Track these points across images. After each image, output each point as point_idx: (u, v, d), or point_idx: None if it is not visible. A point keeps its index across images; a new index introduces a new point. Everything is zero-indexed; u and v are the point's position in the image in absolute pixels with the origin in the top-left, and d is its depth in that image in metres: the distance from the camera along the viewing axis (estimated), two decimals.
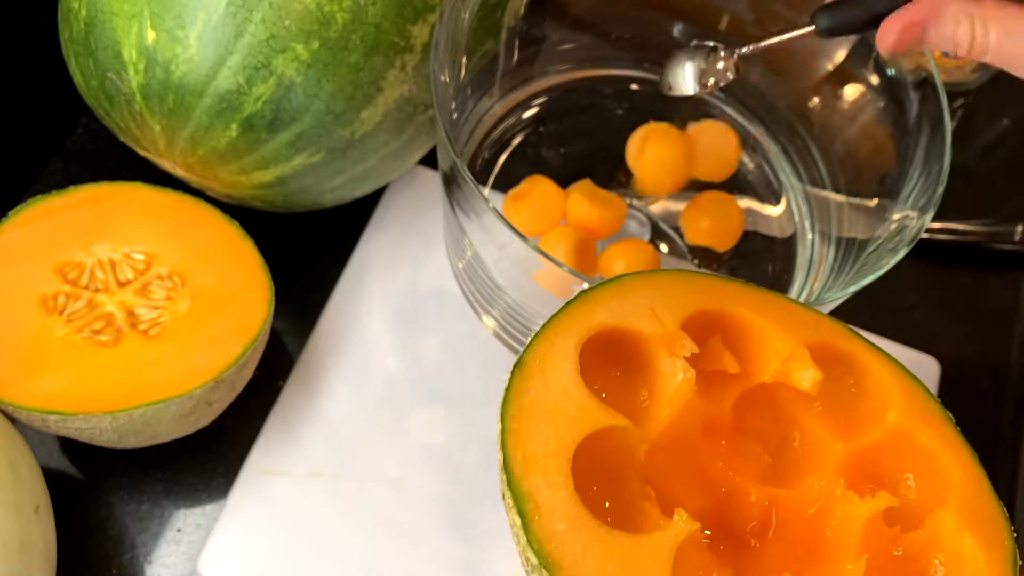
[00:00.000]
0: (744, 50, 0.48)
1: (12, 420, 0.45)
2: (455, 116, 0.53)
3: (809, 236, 0.56)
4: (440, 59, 0.46)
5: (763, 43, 0.47)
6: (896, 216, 0.48)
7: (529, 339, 0.38)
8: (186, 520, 0.51)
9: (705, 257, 0.56)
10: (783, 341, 0.40)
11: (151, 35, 0.45)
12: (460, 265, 0.52)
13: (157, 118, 0.46)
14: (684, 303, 0.40)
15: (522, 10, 0.55)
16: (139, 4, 0.45)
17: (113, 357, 0.46)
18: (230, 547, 0.49)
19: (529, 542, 0.34)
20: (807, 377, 0.39)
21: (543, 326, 0.38)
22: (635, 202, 0.57)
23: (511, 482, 0.35)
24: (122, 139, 0.51)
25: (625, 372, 0.40)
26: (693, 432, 0.40)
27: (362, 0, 0.45)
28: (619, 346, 0.40)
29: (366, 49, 0.46)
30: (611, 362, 0.40)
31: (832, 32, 0.45)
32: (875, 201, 0.51)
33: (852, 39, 0.53)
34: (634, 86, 0.60)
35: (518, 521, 0.35)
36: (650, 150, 0.55)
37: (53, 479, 0.49)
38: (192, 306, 0.48)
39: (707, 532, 0.40)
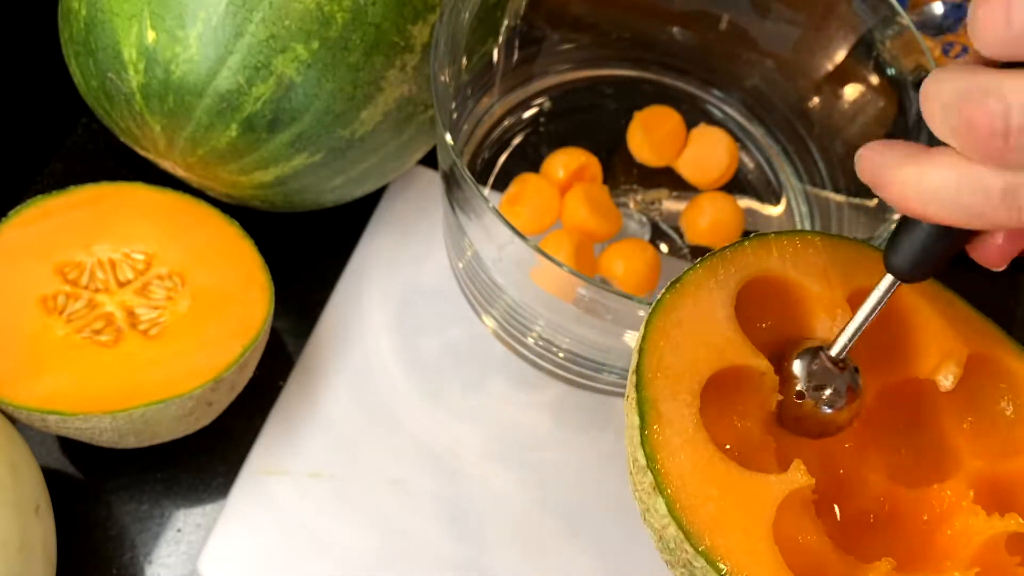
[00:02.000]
0: (836, 348, 0.38)
1: (12, 420, 0.45)
2: (455, 116, 0.53)
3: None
4: (440, 59, 0.46)
5: (848, 332, 0.37)
6: (896, 216, 0.48)
7: (691, 264, 0.38)
8: (186, 520, 0.51)
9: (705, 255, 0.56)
10: (948, 340, 0.38)
11: (151, 35, 0.45)
12: (460, 265, 0.52)
13: (157, 118, 0.46)
14: (859, 275, 0.39)
15: (522, 10, 0.55)
16: (139, 4, 0.45)
17: (113, 357, 0.46)
18: (230, 547, 0.49)
19: (642, 443, 0.35)
20: (948, 377, 0.38)
21: (707, 256, 0.38)
22: (635, 202, 0.57)
23: (639, 384, 0.35)
24: (122, 139, 0.51)
25: (775, 325, 0.40)
26: None
27: (362, 0, 0.45)
28: (778, 299, 0.39)
29: (366, 49, 0.46)
30: (762, 314, 0.39)
31: (920, 273, 0.35)
32: (875, 201, 0.51)
33: (852, 39, 0.53)
34: (634, 86, 0.60)
35: (637, 422, 0.35)
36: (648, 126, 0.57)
37: (53, 479, 0.49)
38: (192, 306, 0.48)
39: (819, 497, 0.39)
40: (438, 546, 0.50)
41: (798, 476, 0.35)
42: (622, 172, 0.58)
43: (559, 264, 0.42)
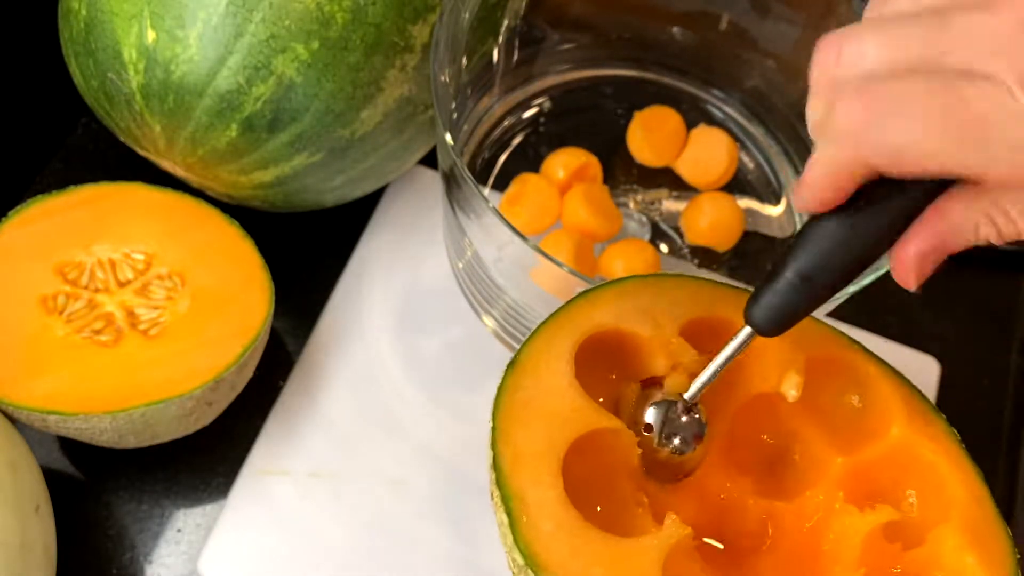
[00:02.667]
0: (690, 394, 0.38)
1: (12, 420, 0.45)
2: (455, 116, 0.53)
3: None
4: (440, 59, 0.46)
5: (701, 378, 0.38)
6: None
7: (525, 338, 0.38)
8: (186, 520, 0.51)
9: (705, 257, 0.56)
10: (785, 351, 0.39)
11: (151, 35, 0.45)
12: (460, 265, 0.52)
13: (157, 118, 0.46)
14: (685, 309, 0.39)
15: (522, 10, 0.55)
16: (139, 4, 0.45)
17: (113, 357, 0.46)
18: (230, 547, 0.49)
19: (516, 542, 0.34)
20: (790, 383, 0.39)
21: (539, 326, 0.38)
22: (635, 202, 0.57)
23: (499, 480, 0.35)
24: (122, 139, 0.51)
25: (620, 377, 0.40)
26: None
27: (362, 0, 0.45)
28: (616, 350, 0.39)
29: (366, 49, 0.46)
30: (607, 366, 0.40)
31: (777, 329, 0.35)
32: None
33: None
34: (634, 86, 0.60)
35: (505, 520, 0.34)
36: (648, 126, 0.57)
37: (53, 479, 0.49)
38: (192, 306, 0.48)
39: (701, 539, 0.39)
40: (438, 546, 0.50)
41: (674, 529, 0.35)
42: (622, 172, 0.58)
43: (559, 264, 0.42)
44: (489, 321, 0.53)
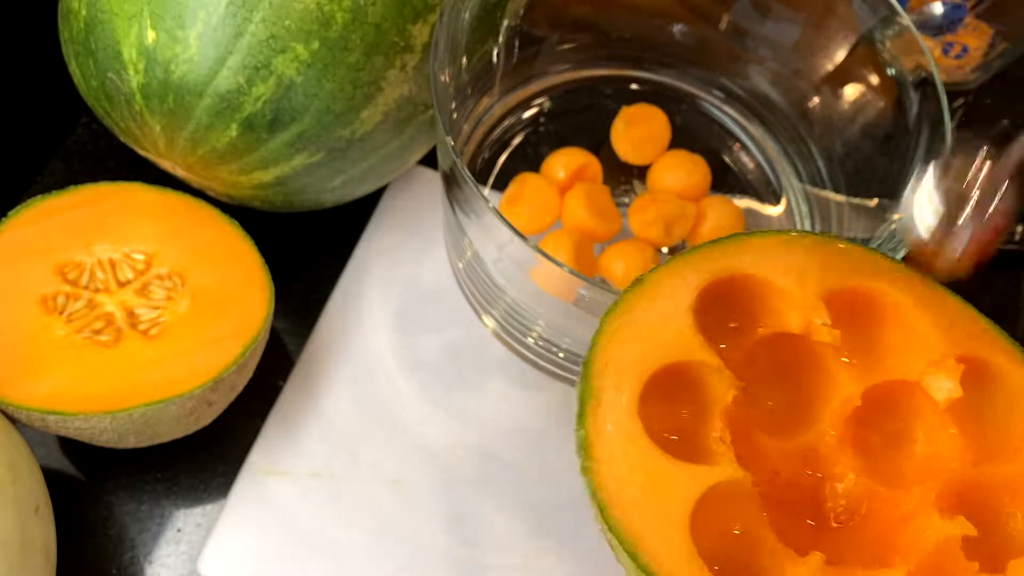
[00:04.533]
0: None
1: (12, 420, 0.45)
2: (455, 116, 0.53)
3: None
4: (440, 59, 0.46)
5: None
6: (896, 216, 0.48)
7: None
8: (186, 520, 0.51)
9: None
10: (938, 343, 0.38)
11: (151, 35, 0.45)
12: (460, 265, 0.52)
13: (157, 118, 0.46)
14: (837, 276, 0.38)
15: (522, 10, 0.55)
16: (139, 4, 0.45)
17: (113, 357, 0.46)
18: (230, 547, 0.49)
19: (577, 427, 0.36)
20: (943, 389, 0.38)
21: (676, 256, 0.39)
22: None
23: (585, 374, 0.37)
24: (122, 139, 0.51)
25: (744, 327, 0.40)
26: None
27: (362, 0, 0.45)
28: (747, 296, 0.39)
29: (366, 49, 0.46)
30: (732, 311, 0.39)
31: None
32: (875, 201, 0.51)
33: (852, 39, 0.53)
34: (634, 86, 0.60)
35: (576, 409, 0.36)
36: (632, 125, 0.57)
37: (53, 479, 0.49)
38: (192, 306, 0.48)
39: (789, 497, 0.39)
40: (438, 546, 0.50)
41: (728, 469, 0.36)
42: (622, 172, 0.58)
43: (559, 264, 0.42)
44: (489, 321, 0.53)
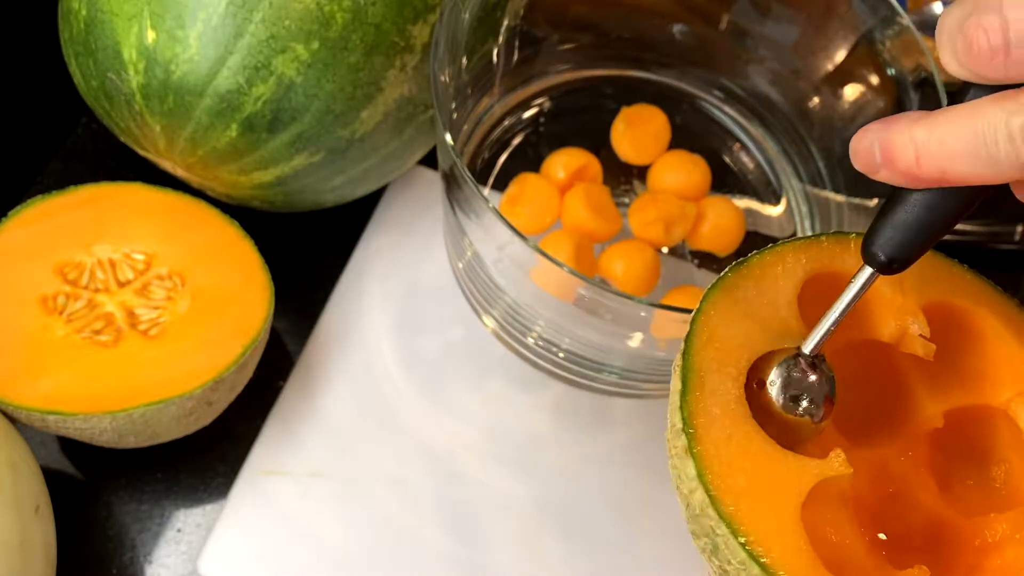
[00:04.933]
0: (809, 346, 0.36)
1: (12, 420, 0.45)
2: (455, 116, 0.53)
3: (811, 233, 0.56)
4: (440, 59, 0.46)
5: (821, 326, 0.35)
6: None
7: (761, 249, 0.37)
8: (186, 520, 0.51)
9: (705, 257, 0.56)
10: None
11: (151, 35, 0.45)
12: (460, 265, 0.52)
13: (157, 118, 0.46)
14: (940, 289, 0.38)
15: (522, 10, 0.55)
16: (139, 4, 0.45)
17: (113, 357, 0.46)
18: (230, 547, 0.49)
19: (681, 407, 0.34)
20: None
21: (781, 242, 0.38)
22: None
23: (687, 352, 0.35)
24: (122, 139, 0.51)
25: (839, 327, 0.38)
26: None
27: (362, 0, 0.45)
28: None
29: (366, 49, 0.46)
30: (826, 307, 0.38)
31: (897, 263, 0.33)
32: (875, 201, 0.51)
33: (852, 39, 0.53)
34: (634, 86, 0.60)
35: (679, 387, 0.35)
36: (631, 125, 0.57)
37: (53, 479, 0.49)
38: (192, 306, 0.48)
39: (871, 513, 0.38)
40: (438, 546, 0.50)
41: (836, 464, 0.35)
42: (622, 172, 0.58)
43: (559, 264, 0.42)
44: (489, 321, 0.53)
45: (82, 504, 0.50)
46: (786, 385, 0.36)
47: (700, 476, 0.34)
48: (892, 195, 0.33)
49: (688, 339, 0.36)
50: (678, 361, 0.36)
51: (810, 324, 0.36)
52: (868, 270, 0.34)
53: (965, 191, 0.32)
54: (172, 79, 0.45)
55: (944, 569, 0.38)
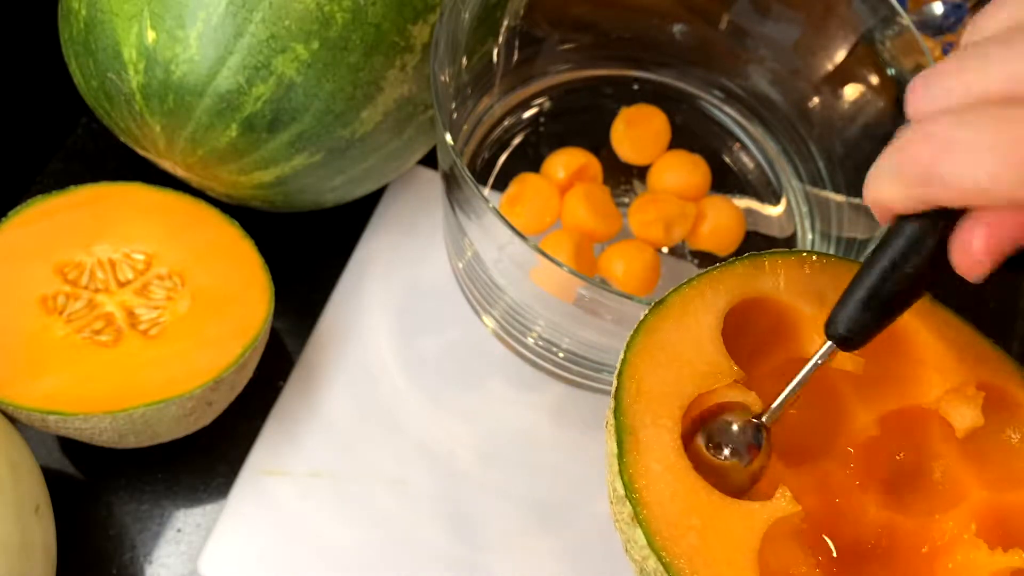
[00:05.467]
0: (768, 417, 0.36)
1: (12, 420, 0.45)
2: (455, 116, 0.53)
3: (809, 236, 0.56)
4: (440, 59, 0.46)
5: (781, 397, 0.36)
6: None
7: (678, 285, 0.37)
8: (186, 520, 0.51)
9: (705, 257, 0.56)
10: (954, 369, 0.37)
11: (151, 35, 0.45)
12: (460, 265, 0.52)
13: (157, 118, 0.46)
14: None
15: (522, 10, 0.55)
16: (139, 4, 0.45)
17: (113, 357, 0.46)
18: (230, 547, 0.49)
19: (620, 472, 0.34)
20: (965, 417, 0.37)
21: (697, 275, 0.37)
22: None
23: (617, 410, 0.34)
24: (122, 139, 0.51)
25: (763, 350, 0.38)
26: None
27: (362, 0, 0.45)
28: (768, 319, 0.38)
29: (366, 49, 0.46)
30: (753, 333, 0.38)
31: (857, 341, 0.34)
32: None
33: (852, 39, 0.53)
34: (634, 86, 0.60)
35: (615, 450, 0.34)
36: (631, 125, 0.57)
37: (53, 479, 0.49)
38: (192, 306, 0.48)
39: (818, 533, 0.38)
40: (438, 546, 0.50)
41: (783, 504, 0.34)
42: (622, 172, 0.58)
43: (559, 264, 0.42)
44: (489, 321, 0.53)
45: (82, 504, 0.50)
46: (708, 436, 0.36)
47: (651, 543, 0.33)
48: (857, 275, 0.34)
49: (617, 395, 0.35)
50: (609, 419, 0.35)
51: (736, 356, 0.36)
52: (829, 344, 0.34)
53: (921, 275, 0.33)
54: (172, 79, 0.45)
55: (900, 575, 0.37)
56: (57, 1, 0.49)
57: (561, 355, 0.50)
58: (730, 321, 0.37)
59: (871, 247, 0.48)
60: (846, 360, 0.37)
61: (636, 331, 0.36)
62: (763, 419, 0.36)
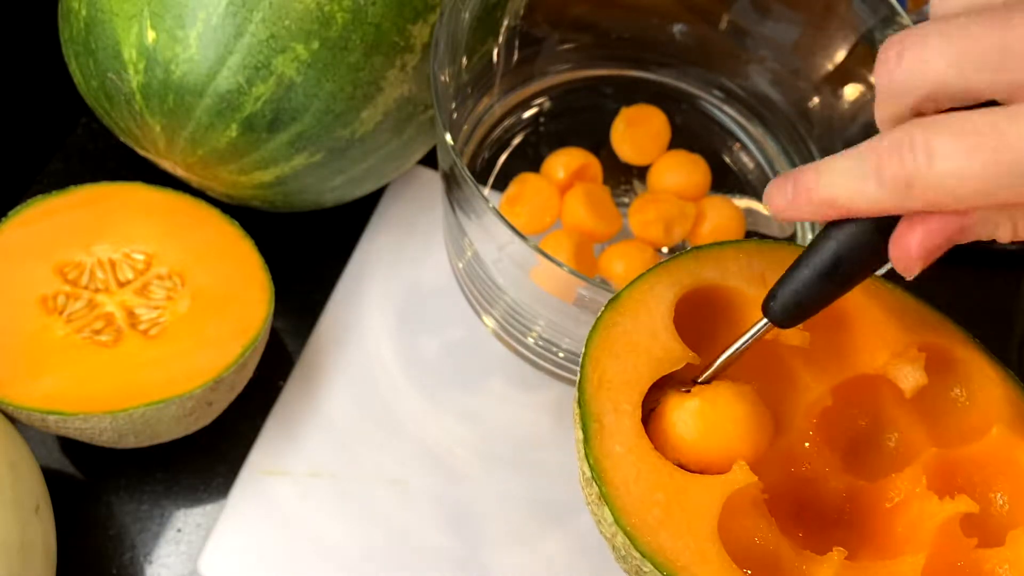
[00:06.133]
0: (703, 378, 0.39)
1: (12, 420, 0.45)
2: (455, 116, 0.53)
3: (809, 236, 0.56)
4: (440, 59, 0.46)
5: (715, 363, 0.38)
6: None
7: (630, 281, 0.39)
8: (186, 520, 0.51)
9: None
10: (896, 335, 0.39)
11: (151, 35, 0.45)
12: (460, 265, 0.52)
13: (157, 118, 0.46)
14: None
15: (522, 10, 0.55)
16: (139, 4, 0.45)
17: (113, 357, 0.46)
18: (230, 547, 0.49)
19: (586, 455, 0.36)
20: (910, 378, 0.39)
21: (647, 271, 0.39)
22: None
23: (581, 400, 0.37)
24: (122, 139, 0.51)
25: (717, 334, 0.40)
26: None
27: (362, 0, 0.45)
28: (717, 308, 0.40)
29: (366, 49, 0.46)
30: (706, 320, 0.40)
31: (792, 320, 0.36)
32: None
33: (852, 39, 0.53)
34: (634, 86, 0.60)
35: (581, 436, 0.36)
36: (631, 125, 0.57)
37: (53, 479, 0.49)
38: (192, 306, 0.48)
39: (784, 504, 0.40)
40: (438, 546, 0.50)
41: (740, 475, 0.36)
42: (622, 172, 0.58)
43: (559, 264, 0.42)
44: (489, 321, 0.53)
45: (82, 504, 0.50)
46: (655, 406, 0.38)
47: (617, 520, 0.35)
48: (796, 262, 0.35)
49: (580, 385, 0.37)
50: (575, 410, 0.37)
51: (690, 342, 0.38)
52: (764, 321, 0.37)
53: (859, 261, 0.34)
54: (172, 79, 0.45)
55: (864, 538, 0.40)
56: (57, 1, 0.49)
57: (561, 355, 0.50)
58: (681, 310, 0.39)
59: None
60: (793, 335, 0.39)
61: (595, 326, 0.38)
62: (699, 380, 0.39)
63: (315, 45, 0.45)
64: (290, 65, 0.45)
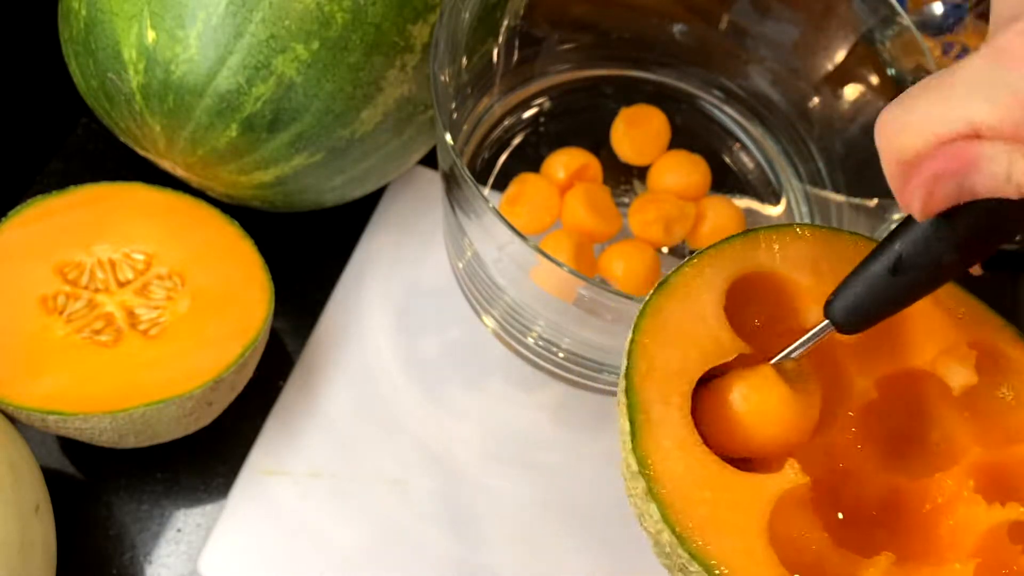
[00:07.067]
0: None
1: (12, 420, 0.45)
2: (455, 116, 0.53)
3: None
4: (440, 59, 0.46)
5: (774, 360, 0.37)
6: (896, 216, 0.48)
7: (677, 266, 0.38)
8: (186, 520, 0.51)
9: None
10: (946, 330, 0.38)
11: (151, 35, 0.45)
12: (460, 265, 0.52)
13: (157, 118, 0.46)
14: (849, 267, 0.38)
15: (522, 10, 0.55)
16: (139, 4, 0.45)
17: (113, 357, 0.46)
18: (230, 547, 0.49)
19: (633, 449, 0.35)
20: (959, 376, 0.37)
21: (696, 254, 0.38)
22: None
23: (629, 390, 0.35)
24: (122, 139, 0.51)
25: (768, 320, 0.39)
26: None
27: (362, 0, 0.45)
28: (769, 292, 0.39)
29: (366, 49, 0.46)
30: (755, 307, 0.39)
31: (857, 327, 0.35)
32: (875, 201, 0.51)
33: (852, 39, 0.53)
34: (634, 86, 0.60)
35: (627, 428, 0.35)
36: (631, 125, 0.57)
37: (53, 479, 0.50)
38: (192, 306, 0.48)
39: (826, 501, 0.39)
40: (438, 546, 0.50)
41: (791, 475, 0.35)
42: (622, 172, 0.58)
43: (559, 264, 0.42)
44: (489, 321, 0.53)
45: (82, 504, 0.50)
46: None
47: (664, 517, 0.34)
48: (865, 260, 0.34)
49: (627, 374, 0.36)
50: (621, 399, 0.36)
51: (739, 331, 0.37)
52: (825, 323, 0.35)
53: (930, 274, 0.32)
54: (172, 79, 0.45)
55: (905, 538, 0.38)
56: (57, 1, 0.49)
57: (561, 355, 0.50)
58: (732, 297, 0.38)
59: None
60: None
61: (642, 312, 0.37)
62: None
63: (315, 45, 0.45)
64: (290, 65, 0.45)
